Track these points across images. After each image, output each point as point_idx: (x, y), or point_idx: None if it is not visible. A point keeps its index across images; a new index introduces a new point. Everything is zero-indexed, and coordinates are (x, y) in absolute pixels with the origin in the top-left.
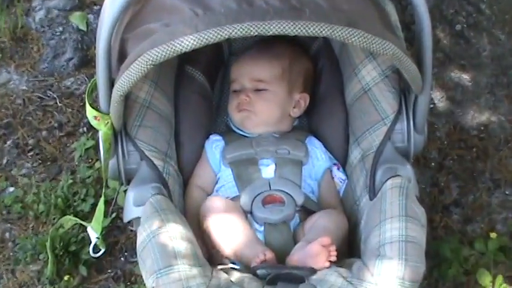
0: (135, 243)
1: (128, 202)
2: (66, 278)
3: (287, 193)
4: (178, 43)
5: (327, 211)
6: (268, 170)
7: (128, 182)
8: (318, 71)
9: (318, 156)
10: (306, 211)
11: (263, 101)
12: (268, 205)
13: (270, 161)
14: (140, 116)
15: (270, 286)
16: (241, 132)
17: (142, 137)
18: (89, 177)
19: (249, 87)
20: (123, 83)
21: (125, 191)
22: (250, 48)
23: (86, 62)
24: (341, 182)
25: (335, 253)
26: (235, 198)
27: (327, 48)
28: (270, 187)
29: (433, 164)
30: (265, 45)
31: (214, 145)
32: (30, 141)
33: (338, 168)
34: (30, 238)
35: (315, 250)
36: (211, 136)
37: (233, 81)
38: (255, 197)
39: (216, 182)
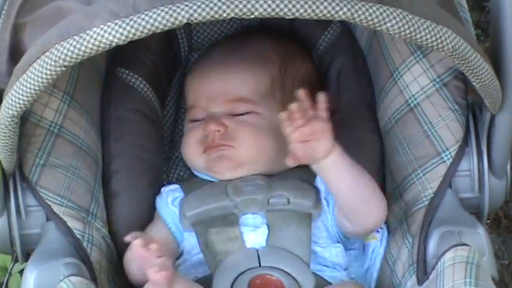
0: None
1: None
2: None
3: (288, 274)
4: (106, 31)
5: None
6: (255, 234)
7: (27, 256)
8: (333, 76)
9: None
10: None
11: (249, 129)
12: None
13: (258, 219)
14: (45, 149)
15: None
16: (207, 177)
17: (48, 184)
18: None
19: (220, 113)
20: (17, 95)
21: (22, 272)
22: (214, 47)
23: None
24: (377, 231)
25: None
26: (205, 280)
27: (347, 40)
28: (259, 263)
29: None
30: (238, 41)
31: (171, 198)
32: None
33: None
34: None
35: None
36: (163, 189)
37: (192, 108)
38: (235, 280)
39: (178, 257)
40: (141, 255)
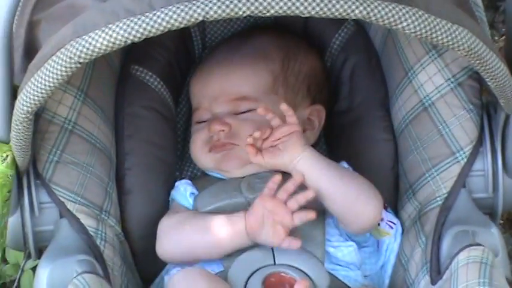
0: None
1: (39, 286)
2: None
3: (303, 272)
4: (121, 28)
5: None
6: None
7: (40, 253)
8: (346, 75)
9: None
10: None
11: (253, 127)
12: None
13: None
14: (59, 146)
15: None
16: (218, 175)
17: (62, 181)
18: None
19: (223, 112)
20: (32, 92)
21: (34, 268)
22: (216, 47)
23: None
24: (391, 227)
25: None
26: (221, 275)
27: (361, 39)
28: (274, 260)
29: None
30: (239, 40)
31: (189, 191)
32: None
33: (385, 208)
34: None
35: None
36: (178, 183)
37: (196, 109)
38: (250, 276)
39: None
40: (275, 205)
